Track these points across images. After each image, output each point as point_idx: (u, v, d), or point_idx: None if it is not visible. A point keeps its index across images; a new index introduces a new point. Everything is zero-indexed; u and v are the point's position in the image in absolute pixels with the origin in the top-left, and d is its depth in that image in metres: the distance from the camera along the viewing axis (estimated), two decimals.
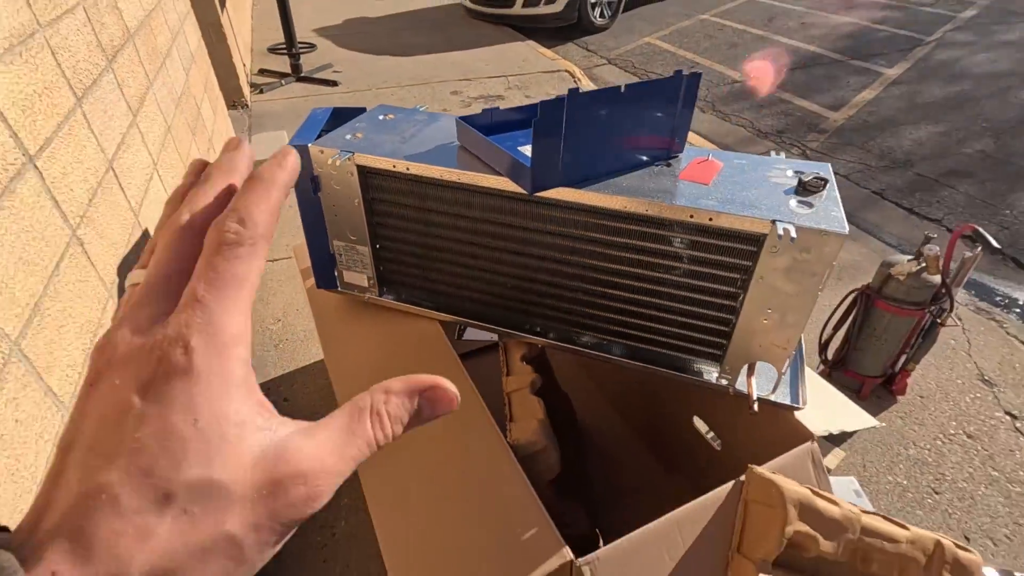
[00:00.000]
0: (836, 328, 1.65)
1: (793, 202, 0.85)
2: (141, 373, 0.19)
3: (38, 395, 0.67)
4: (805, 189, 0.88)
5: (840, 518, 0.85)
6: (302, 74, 4.24)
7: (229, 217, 0.21)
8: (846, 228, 0.79)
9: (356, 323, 1.23)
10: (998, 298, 2.22)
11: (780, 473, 0.89)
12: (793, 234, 0.78)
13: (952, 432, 1.55)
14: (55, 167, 0.84)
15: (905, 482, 1.43)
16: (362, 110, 1.24)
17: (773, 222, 0.81)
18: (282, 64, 4.41)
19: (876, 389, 1.67)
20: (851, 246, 2.34)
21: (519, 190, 0.91)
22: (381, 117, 1.18)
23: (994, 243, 1.35)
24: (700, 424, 1.26)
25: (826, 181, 0.88)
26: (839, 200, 0.86)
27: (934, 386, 1.69)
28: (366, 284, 1.20)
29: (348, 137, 1.08)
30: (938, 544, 0.90)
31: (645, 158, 0.98)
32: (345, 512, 1.36)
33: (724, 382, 1.00)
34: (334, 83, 4.20)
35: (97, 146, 1.02)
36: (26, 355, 0.66)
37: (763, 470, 0.87)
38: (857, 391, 1.65)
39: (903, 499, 1.39)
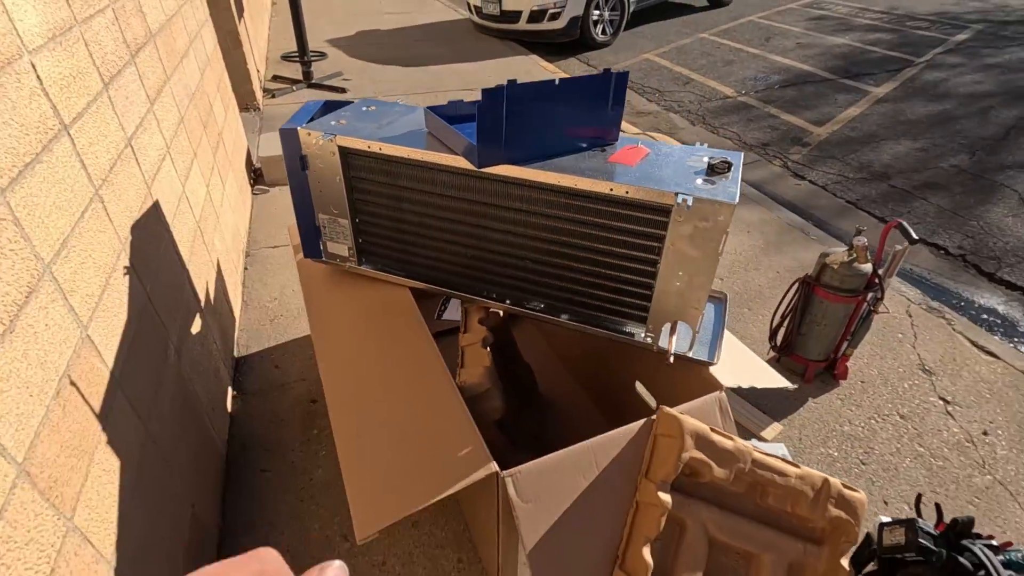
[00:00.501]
0: (784, 316, 1.79)
1: (699, 180, 1.00)
2: None
3: (63, 310, 0.83)
4: (712, 171, 1.03)
5: (732, 449, 0.99)
6: (313, 81, 4.47)
7: None
8: (735, 199, 0.94)
9: (337, 289, 1.39)
10: (954, 300, 2.35)
11: (688, 414, 1.03)
12: (689, 203, 0.94)
13: (886, 413, 1.68)
14: (84, 137, 1.02)
15: (836, 454, 1.56)
16: (350, 103, 1.42)
17: (676, 194, 0.96)
18: (295, 71, 4.64)
19: (821, 374, 1.80)
20: (819, 249, 2.48)
21: (471, 167, 1.07)
22: (364, 108, 1.35)
23: (913, 235, 1.49)
24: (641, 388, 1.40)
25: (730, 164, 1.03)
26: (739, 180, 1.01)
27: (876, 373, 1.82)
28: (346, 254, 1.36)
29: (333, 123, 1.24)
30: (825, 481, 1.03)
31: (584, 144, 1.14)
32: (323, 462, 1.51)
33: (649, 340, 1.14)
34: (342, 90, 4.42)
35: (119, 125, 1.20)
36: (55, 277, 0.82)
37: (671, 409, 1.01)
38: (802, 375, 1.78)
39: (831, 468, 1.52)
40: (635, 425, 1.01)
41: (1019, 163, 3.37)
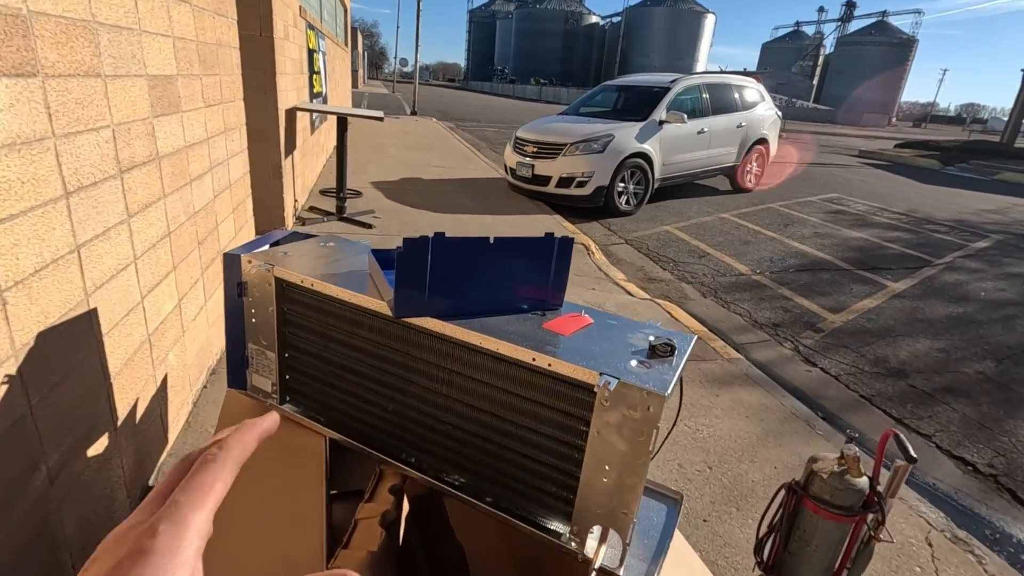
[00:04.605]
0: (772, 527, 1.53)
1: (633, 361, 0.89)
2: (118, 553, 0.25)
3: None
4: (653, 353, 0.92)
5: None
6: (344, 215, 4.76)
7: (212, 445, 0.31)
8: (667, 390, 0.81)
9: None
10: (987, 531, 2.01)
11: None
12: (612, 386, 0.81)
13: None
14: (7, 239, 1.00)
15: None
16: (316, 236, 1.41)
17: (600, 374, 0.84)
18: (333, 205, 4.98)
19: None
20: (826, 447, 2.24)
21: (391, 315, 0.99)
22: (322, 244, 1.33)
23: (912, 452, 1.29)
24: None
25: (674, 348, 0.92)
26: (679, 367, 0.89)
27: None
28: (269, 389, 1.25)
29: (280, 254, 1.22)
30: None
31: (525, 306, 1.06)
32: None
33: (573, 544, 0.94)
34: (369, 226, 4.67)
35: (70, 230, 1.20)
36: None
37: None
38: None
39: None
40: None
41: None
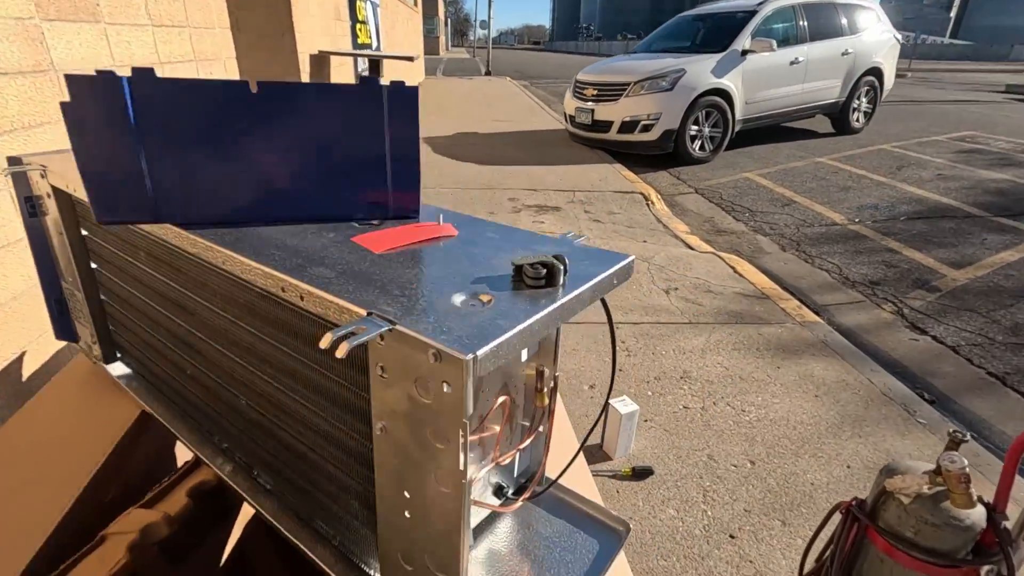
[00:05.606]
0: (822, 561, 1.03)
1: (460, 296, 0.45)
2: None
3: None
4: (521, 280, 0.48)
5: None
6: None
7: None
8: (477, 350, 0.37)
9: (79, 391, 0.96)
10: None
11: None
12: (377, 333, 0.39)
13: None
14: None
15: None
16: None
17: (369, 313, 0.42)
18: None
19: None
20: (930, 441, 1.64)
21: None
22: None
23: None
24: None
25: (555, 271, 0.47)
26: (552, 306, 0.44)
27: None
28: (90, 341, 0.95)
29: None
30: None
31: (361, 215, 0.65)
32: None
33: None
34: None
35: None
36: None
37: None
38: None
39: None
40: None
41: None
